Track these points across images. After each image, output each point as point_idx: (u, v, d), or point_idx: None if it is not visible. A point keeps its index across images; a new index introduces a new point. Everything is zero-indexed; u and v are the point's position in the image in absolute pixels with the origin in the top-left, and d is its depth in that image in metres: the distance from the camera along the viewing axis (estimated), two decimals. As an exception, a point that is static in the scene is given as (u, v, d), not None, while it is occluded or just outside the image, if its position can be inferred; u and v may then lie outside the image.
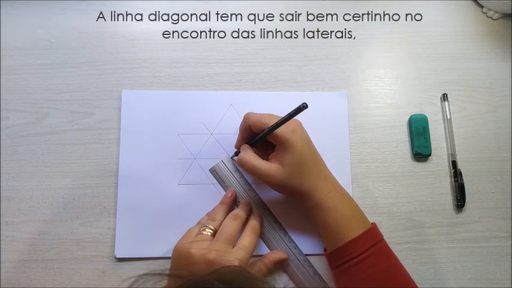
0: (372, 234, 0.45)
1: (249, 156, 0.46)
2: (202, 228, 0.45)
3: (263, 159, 0.46)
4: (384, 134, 0.55)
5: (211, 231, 0.45)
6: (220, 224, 0.46)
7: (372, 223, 0.46)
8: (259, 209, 0.51)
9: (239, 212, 0.48)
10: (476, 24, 0.60)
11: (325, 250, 0.47)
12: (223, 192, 0.52)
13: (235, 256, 0.42)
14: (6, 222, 0.51)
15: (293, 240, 0.51)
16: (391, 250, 0.46)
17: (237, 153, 0.51)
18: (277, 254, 0.49)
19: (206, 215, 0.50)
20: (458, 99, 0.57)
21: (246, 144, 0.49)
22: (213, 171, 0.52)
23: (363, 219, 0.46)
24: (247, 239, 0.45)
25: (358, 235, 0.43)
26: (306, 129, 0.47)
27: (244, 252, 0.43)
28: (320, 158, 0.48)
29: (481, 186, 0.55)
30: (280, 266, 0.50)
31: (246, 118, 0.47)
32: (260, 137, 0.47)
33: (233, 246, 0.44)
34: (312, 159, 0.46)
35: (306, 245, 0.51)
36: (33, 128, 0.53)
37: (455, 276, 0.52)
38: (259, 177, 0.46)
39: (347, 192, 0.48)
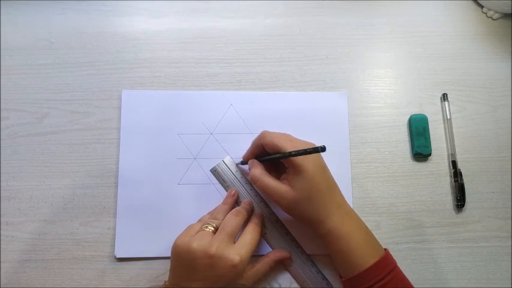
0: (387, 262, 0.44)
1: (261, 173, 0.46)
2: (204, 226, 0.45)
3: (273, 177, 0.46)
4: (384, 134, 0.55)
5: (213, 229, 0.45)
6: None
7: (385, 249, 0.46)
8: (261, 208, 0.51)
9: (241, 209, 0.48)
10: (476, 24, 0.60)
11: (340, 275, 0.47)
12: (223, 192, 0.52)
13: (236, 251, 0.42)
14: (6, 222, 0.51)
15: (295, 239, 0.51)
16: (404, 276, 0.45)
17: (242, 163, 0.51)
18: (279, 253, 0.49)
19: (208, 213, 0.50)
20: (458, 99, 0.57)
21: (255, 160, 0.48)
22: (214, 172, 0.52)
23: (376, 246, 0.45)
24: (249, 236, 0.45)
25: (373, 263, 0.43)
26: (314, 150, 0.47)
27: (246, 248, 0.43)
28: (334, 184, 0.46)
29: (481, 186, 0.55)
30: (283, 265, 0.50)
31: (262, 137, 0.47)
32: (271, 159, 0.46)
33: (235, 242, 0.44)
34: (324, 186, 0.45)
35: (309, 244, 0.51)
36: (33, 128, 0.53)
37: (455, 276, 0.52)
38: (270, 196, 0.45)
39: (360, 218, 0.47)
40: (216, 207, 0.50)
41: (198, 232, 0.45)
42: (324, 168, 0.46)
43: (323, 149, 0.40)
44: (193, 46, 0.57)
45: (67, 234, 0.50)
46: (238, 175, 0.52)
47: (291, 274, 0.50)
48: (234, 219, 0.45)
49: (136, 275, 0.50)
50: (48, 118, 0.53)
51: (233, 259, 0.41)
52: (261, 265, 0.47)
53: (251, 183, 0.50)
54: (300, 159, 0.43)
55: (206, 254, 0.41)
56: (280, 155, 0.44)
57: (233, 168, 0.52)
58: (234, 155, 0.53)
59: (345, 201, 0.47)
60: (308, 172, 0.43)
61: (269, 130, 0.47)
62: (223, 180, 0.52)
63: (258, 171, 0.46)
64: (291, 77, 0.56)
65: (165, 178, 0.52)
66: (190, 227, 0.46)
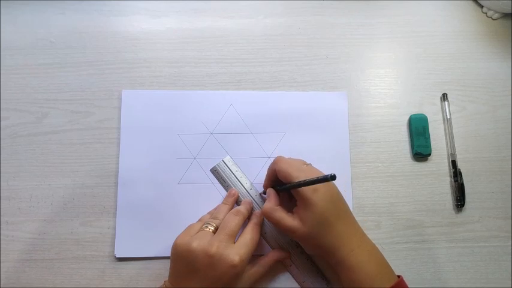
0: None
1: (272, 208, 0.45)
2: (204, 225, 0.45)
3: (288, 208, 0.46)
4: (383, 134, 0.55)
5: (213, 229, 0.45)
6: None
7: (398, 276, 0.45)
8: (261, 208, 0.51)
9: (241, 208, 0.48)
10: (476, 24, 0.60)
11: None
12: (223, 192, 0.52)
13: (236, 251, 0.42)
14: (6, 221, 0.51)
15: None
16: None
17: (265, 192, 0.51)
18: (279, 253, 0.49)
19: (208, 213, 0.50)
20: (458, 99, 0.57)
21: (272, 190, 0.48)
22: (214, 171, 0.52)
23: (389, 274, 0.44)
24: (249, 235, 0.45)
25: None
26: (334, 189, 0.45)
27: (246, 248, 0.43)
28: (345, 212, 0.46)
29: (481, 186, 0.55)
30: (283, 265, 0.50)
31: (275, 162, 0.47)
32: (283, 189, 0.46)
33: (234, 242, 0.44)
34: (335, 217, 0.44)
35: None
36: (33, 128, 0.53)
37: (455, 276, 0.52)
38: (282, 230, 0.45)
39: (373, 247, 0.45)
40: (216, 207, 0.50)
41: (198, 232, 0.45)
42: (334, 199, 0.45)
43: (333, 177, 0.36)
44: (193, 46, 0.57)
45: (67, 234, 0.50)
46: (239, 175, 0.52)
47: (291, 274, 0.50)
48: (233, 218, 0.45)
49: (136, 275, 0.50)
50: (48, 118, 0.53)
51: (233, 259, 0.41)
52: (261, 265, 0.47)
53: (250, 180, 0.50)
54: (309, 192, 0.43)
55: (206, 254, 0.41)
56: (290, 185, 0.44)
57: (233, 168, 0.52)
58: (234, 155, 0.53)
59: (358, 228, 0.46)
60: (317, 206, 0.42)
61: (283, 156, 0.47)
62: (223, 180, 0.52)
63: (269, 205, 0.46)
64: (291, 77, 0.56)
65: (165, 178, 0.52)
66: (190, 227, 0.46)
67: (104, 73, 0.55)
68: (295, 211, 0.45)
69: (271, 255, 0.48)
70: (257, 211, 0.50)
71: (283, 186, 0.46)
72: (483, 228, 0.53)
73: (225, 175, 0.52)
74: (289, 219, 0.44)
